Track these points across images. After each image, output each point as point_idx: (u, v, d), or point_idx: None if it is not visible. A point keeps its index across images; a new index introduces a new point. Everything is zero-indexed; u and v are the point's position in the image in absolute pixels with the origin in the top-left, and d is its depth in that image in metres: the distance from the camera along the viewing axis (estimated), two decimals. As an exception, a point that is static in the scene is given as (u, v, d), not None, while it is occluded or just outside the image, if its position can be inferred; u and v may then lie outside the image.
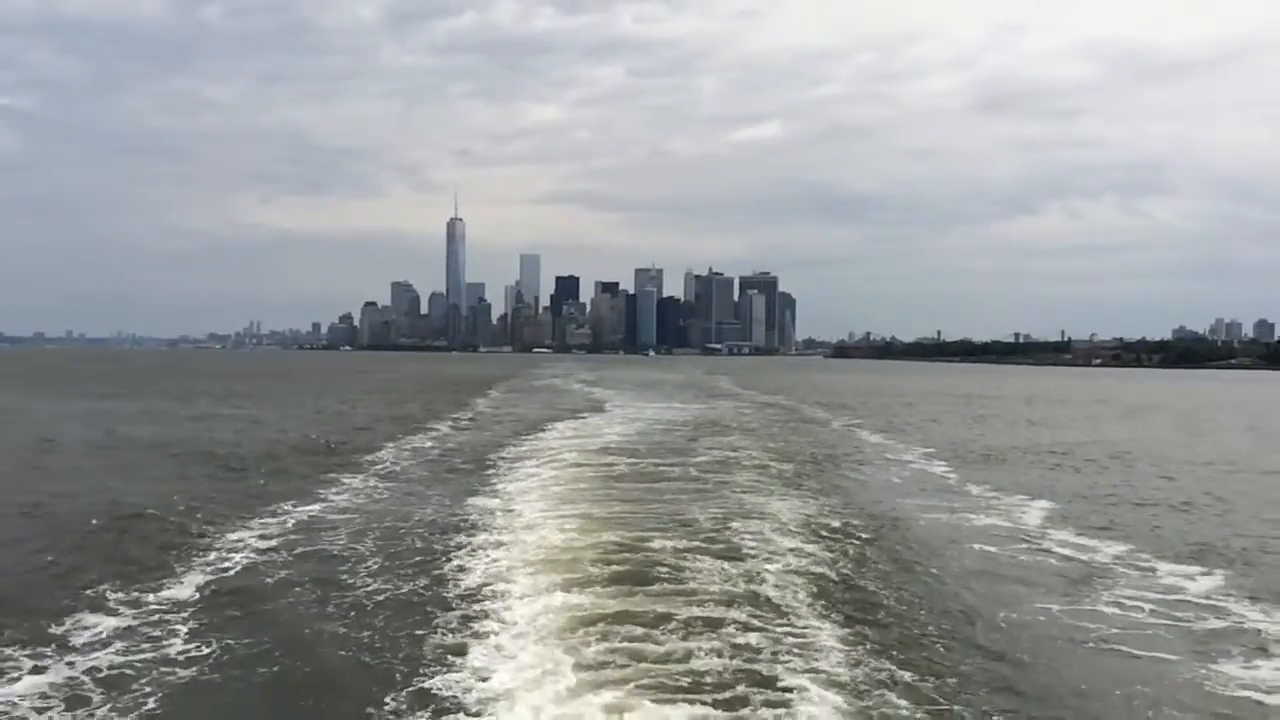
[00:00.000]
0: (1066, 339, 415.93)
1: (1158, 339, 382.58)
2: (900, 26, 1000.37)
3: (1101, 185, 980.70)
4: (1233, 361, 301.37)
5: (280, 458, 36.14)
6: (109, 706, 11.87)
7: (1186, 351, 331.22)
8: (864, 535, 22.29)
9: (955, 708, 12.00)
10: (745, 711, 11.77)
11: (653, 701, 11.93)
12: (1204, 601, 17.21)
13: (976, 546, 22.19)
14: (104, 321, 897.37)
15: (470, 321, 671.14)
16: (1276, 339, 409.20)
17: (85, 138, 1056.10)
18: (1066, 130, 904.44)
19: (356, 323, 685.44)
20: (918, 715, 11.80)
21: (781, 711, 11.75)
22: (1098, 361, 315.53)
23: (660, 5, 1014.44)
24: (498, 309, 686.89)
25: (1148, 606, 16.82)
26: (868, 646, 14.03)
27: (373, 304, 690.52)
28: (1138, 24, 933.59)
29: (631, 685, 12.43)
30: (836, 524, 23.26)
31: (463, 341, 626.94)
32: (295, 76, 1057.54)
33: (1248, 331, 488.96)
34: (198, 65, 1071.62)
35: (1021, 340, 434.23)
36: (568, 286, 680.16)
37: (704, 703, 11.93)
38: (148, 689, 12.42)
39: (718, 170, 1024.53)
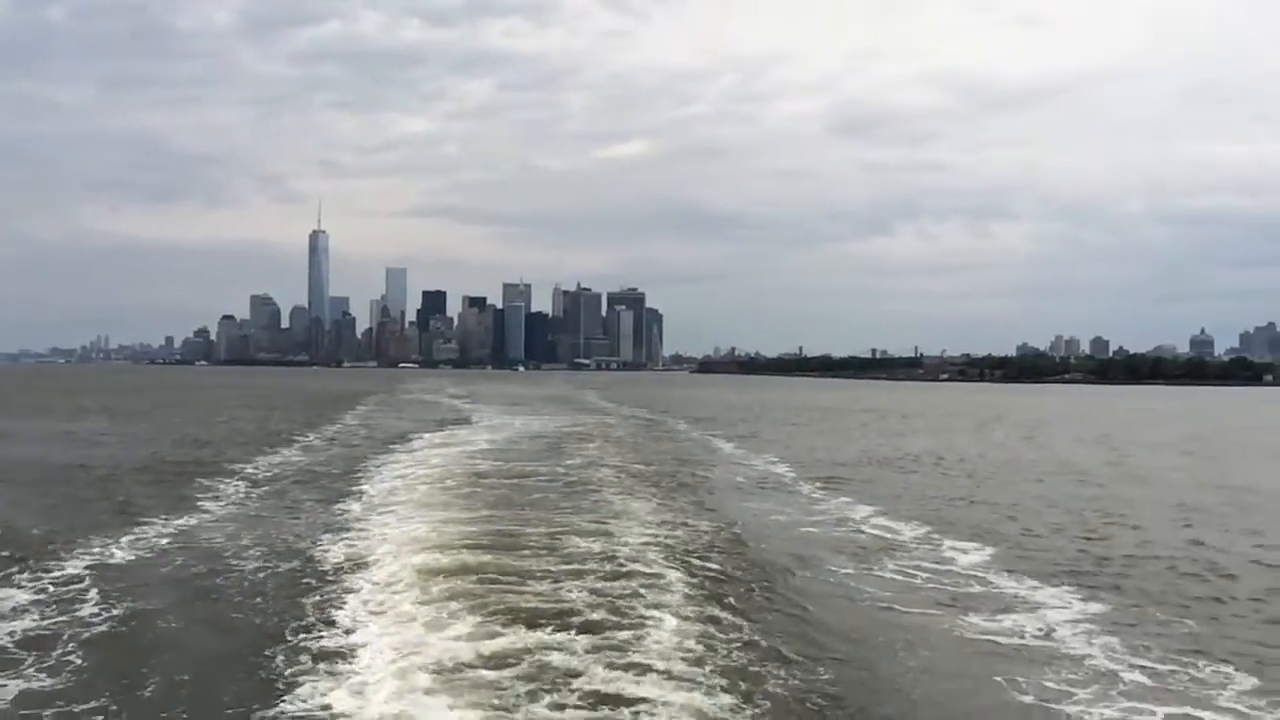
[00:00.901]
0: (919, 355, 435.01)
1: (1002, 354, 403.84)
2: (763, 50, 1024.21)
3: (950, 208, 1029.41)
4: (1066, 376, 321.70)
5: (145, 472, 36.31)
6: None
7: (1026, 366, 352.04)
8: (710, 523, 25.47)
9: (761, 641, 15.07)
10: (606, 632, 14.71)
11: (522, 627, 14.78)
12: (969, 572, 20.75)
13: (801, 530, 25.89)
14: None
15: (334, 336, 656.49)
16: (1111, 354, 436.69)
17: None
18: (918, 155, 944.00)
19: (213, 337, 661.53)
20: (733, 642, 14.83)
21: (637, 633, 14.73)
22: (945, 376, 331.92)
23: (526, 21, 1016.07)
24: (363, 323, 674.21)
25: (923, 575, 20.31)
26: (703, 594, 17.47)
27: (230, 318, 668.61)
28: (983, 56, 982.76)
29: (497, 618, 15.15)
30: (688, 516, 26.39)
31: (326, 356, 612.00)
32: (147, 81, 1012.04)
33: (1084, 347, 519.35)
34: (41, 67, 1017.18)
35: (878, 356, 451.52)
36: (435, 301, 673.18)
37: (568, 627, 14.84)
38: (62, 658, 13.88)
39: (586, 186, 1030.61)
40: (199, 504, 28.31)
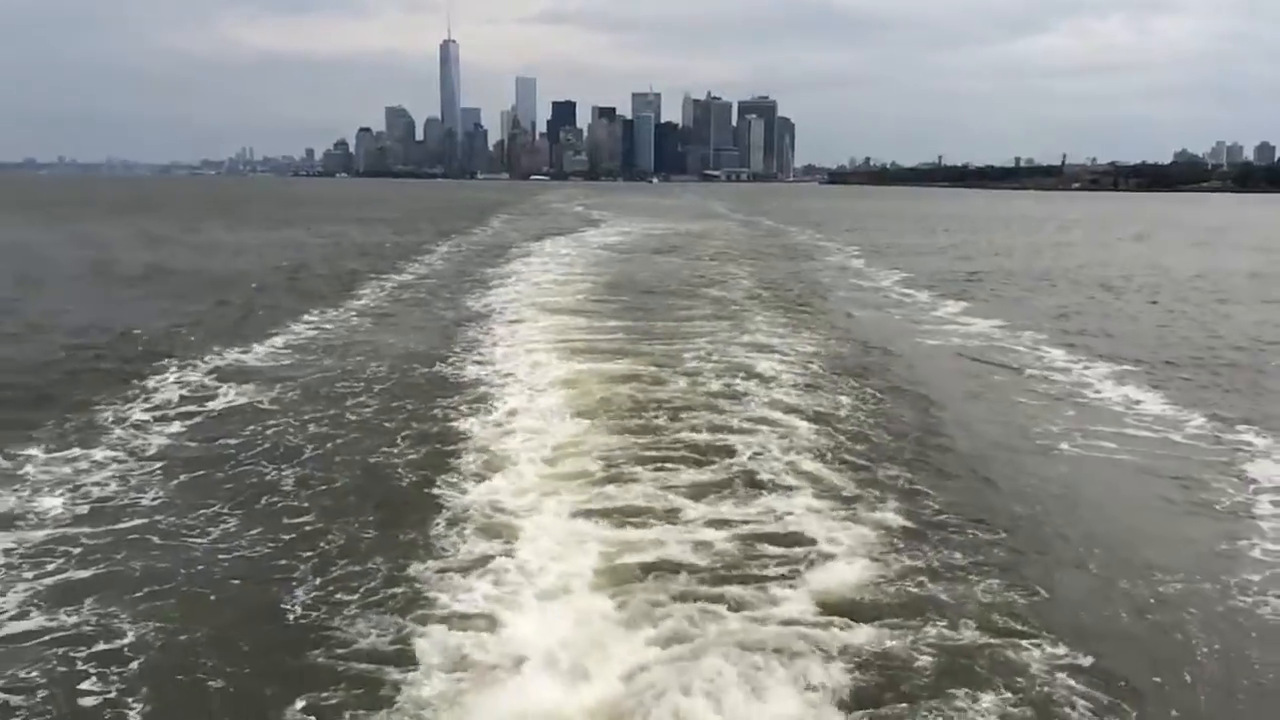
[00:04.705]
0: (1064, 163, 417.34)
1: (1155, 162, 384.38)
2: None
3: (1111, 2, 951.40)
4: (1204, 185, 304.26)
5: (302, 279, 38.84)
6: (110, 505, 12.31)
7: (1160, 175, 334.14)
8: (840, 347, 24.32)
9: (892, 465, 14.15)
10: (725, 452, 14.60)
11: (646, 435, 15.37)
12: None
13: (902, 328, 29.21)
14: (95, 147, 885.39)
15: (466, 148, 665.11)
16: (1276, 160, 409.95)
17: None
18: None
19: (352, 149, 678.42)
20: (866, 462, 14.44)
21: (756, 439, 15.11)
22: (1077, 186, 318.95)
23: None
24: (494, 135, 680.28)
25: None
26: (835, 434, 15.89)
27: (367, 130, 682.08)
28: None
29: (625, 428, 15.69)
30: (817, 340, 25.04)
31: (459, 168, 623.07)
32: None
33: (1248, 154, 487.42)
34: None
35: (1022, 164, 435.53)
36: (564, 112, 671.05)
37: (693, 443, 15.07)
38: (147, 498, 12.70)
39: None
40: (363, 299, 31.83)
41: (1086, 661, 8.95)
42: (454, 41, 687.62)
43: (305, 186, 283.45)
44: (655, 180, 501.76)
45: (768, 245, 60.97)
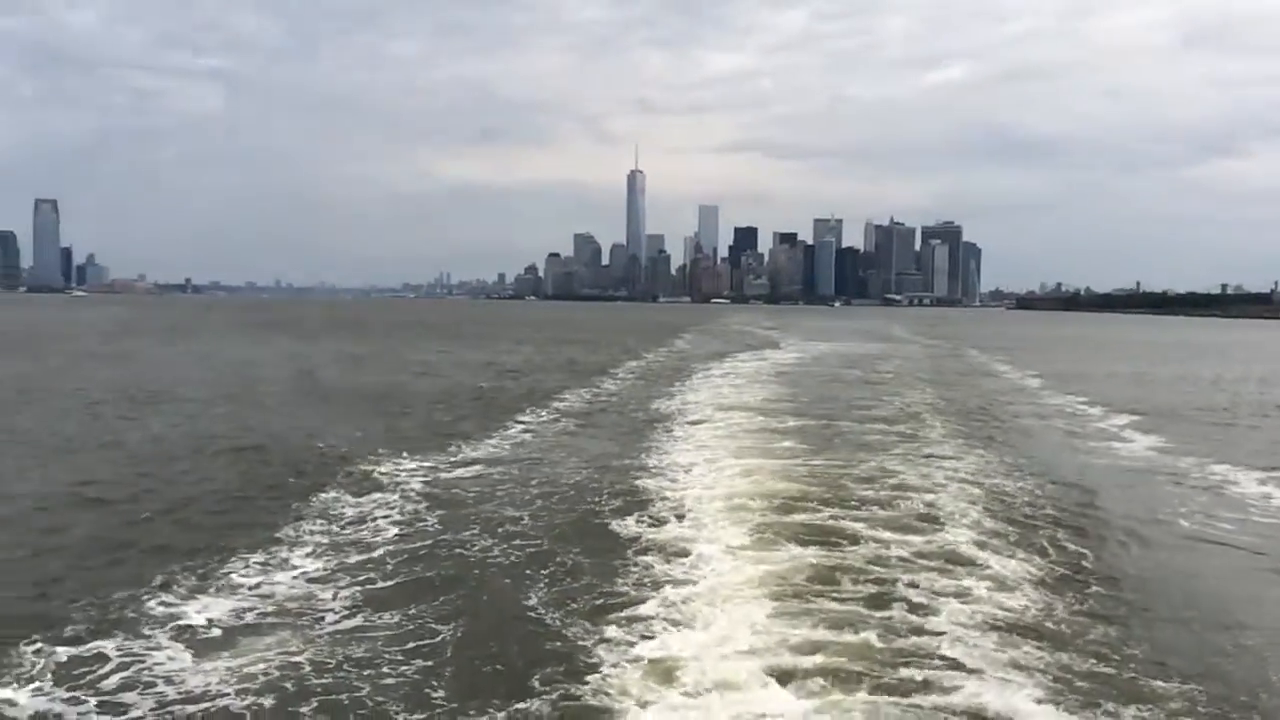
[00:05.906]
0: (1275, 290, 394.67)
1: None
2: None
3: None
4: None
5: (531, 381, 47.09)
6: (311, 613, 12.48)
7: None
8: (1007, 444, 26.90)
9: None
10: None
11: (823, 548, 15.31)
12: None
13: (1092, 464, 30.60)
14: (306, 271, 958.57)
15: (650, 272, 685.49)
16: None
17: (281, 95, 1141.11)
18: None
19: (541, 273, 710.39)
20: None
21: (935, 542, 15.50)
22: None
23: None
24: (676, 259, 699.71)
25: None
26: (996, 497, 19.06)
27: (556, 255, 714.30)
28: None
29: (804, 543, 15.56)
30: (987, 439, 27.69)
31: (642, 291, 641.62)
32: (475, 30, 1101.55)
33: None
34: (382, 21, 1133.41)
35: (1229, 291, 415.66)
36: (746, 237, 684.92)
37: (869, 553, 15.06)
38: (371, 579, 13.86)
39: (899, 116, 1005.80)
40: (559, 404, 35.96)
41: (1199, 690, 10.86)
42: (641, 172, 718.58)
43: (499, 309, 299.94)
44: (836, 304, 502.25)
45: (945, 366, 62.51)
